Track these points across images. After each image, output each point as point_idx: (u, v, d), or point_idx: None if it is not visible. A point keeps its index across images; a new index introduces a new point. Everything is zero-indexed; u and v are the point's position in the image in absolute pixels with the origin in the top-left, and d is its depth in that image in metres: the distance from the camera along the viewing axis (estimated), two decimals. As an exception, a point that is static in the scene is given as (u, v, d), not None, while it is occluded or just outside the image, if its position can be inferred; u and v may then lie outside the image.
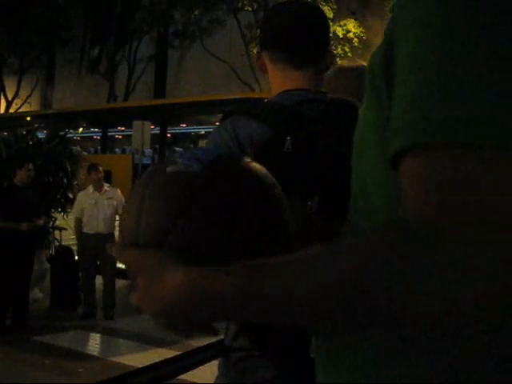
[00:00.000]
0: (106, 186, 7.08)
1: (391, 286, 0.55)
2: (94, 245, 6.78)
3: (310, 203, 1.14)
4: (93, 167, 7.01)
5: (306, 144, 1.20)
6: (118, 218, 7.11)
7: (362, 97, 1.85)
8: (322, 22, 1.38)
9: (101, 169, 7.02)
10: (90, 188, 7.02)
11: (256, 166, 0.85)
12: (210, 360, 1.85)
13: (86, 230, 6.88)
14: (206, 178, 0.77)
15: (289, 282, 0.60)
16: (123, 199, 7.04)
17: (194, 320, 0.69)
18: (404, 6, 0.65)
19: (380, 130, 0.68)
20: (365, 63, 1.94)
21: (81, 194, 7.09)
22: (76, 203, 7.07)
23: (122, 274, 7.43)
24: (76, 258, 7.40)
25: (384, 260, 0.56)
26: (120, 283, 7.26)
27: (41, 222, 6.35)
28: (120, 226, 0.85)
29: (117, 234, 7.32)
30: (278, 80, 1.36)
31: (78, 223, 6.96)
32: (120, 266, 7.47)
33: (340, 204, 1.01)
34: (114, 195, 7.05)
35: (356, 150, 0.79)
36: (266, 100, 1.38)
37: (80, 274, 7.00)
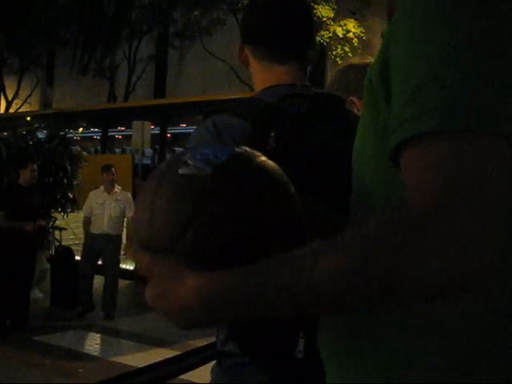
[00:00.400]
0: (117, 188, 7.11)
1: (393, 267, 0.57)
2: (99, 245, 6.79)
3: None
4: (105, 168, 7.05)
5: (290, 140, 1.17)
6: (126, 220, 7.16)
7: None
8: (306, 15, 1.33)
9: (113, 170, 7.04)
10: (102, 188, 7.06)
11: (269, 164, 0.85)
12: (209, 360, 1.85)
13: (92, 229, 6.91)
14: (216, 184, 0.77)
15: (304, 271, 0.62)
16: (132, 203, 7.07)
17: (207, 320, 0.71)
18: (400, 12, 0.67)
19: (379, 133, 0.70)
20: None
21: (92, 193, 7.13)
22: (86, 201, 7.10)
23: (123, 274, 7.44)
24: (76, 257, 7.40)
25: (384, 245, 0.58)
26: (121, 283, 7.26)
27: (43, 222, 6.37)
28: (132, 220, 0.86)
29: (124, 235, 7.32)
30: (261, 76, 1.32)
31: (87, 222, 6.99)
32: (122, 266, 7.49)
33: (329, 200, 1.01)
34: (123, 198, 7.07)
35: (356, 152, 0.82)
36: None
37: (79, 272, 7.01)
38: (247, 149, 0.86)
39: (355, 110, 1.61)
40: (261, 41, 1.30)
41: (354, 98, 1.73)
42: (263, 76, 1.31)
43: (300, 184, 1.09)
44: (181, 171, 0.79)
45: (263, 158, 0.85)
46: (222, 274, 0.68)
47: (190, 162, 0.80)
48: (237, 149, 0.85)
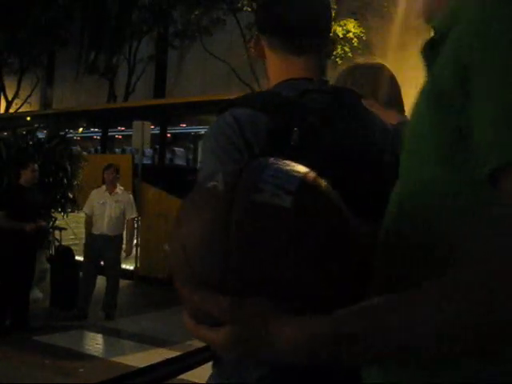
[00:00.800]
0: (119, 189, 7.10)
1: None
2: (99, 245, 6.79)
3: None
4: (107, 167, 7.04)
5: (312, 137, 1.12)
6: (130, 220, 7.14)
7: (377, 93, 1.84)
8: (325, 6, 1.29)
9: (112, 169, 7.02)
10: (103, 187, 7.04)
11: (329, 188, 0.80)
12: (210, 360, 1.84)
13: (92, 230, 6.91)
14: (298, 215, 0.71)
15: (410, 319, 0.63)
16: (133, 204, 7.07)
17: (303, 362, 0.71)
18: (483, 33, 0.69)
19: (445, 136, 0.72)
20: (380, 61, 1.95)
21: (94, 192, 7.13)
22: (88, 200, 7.09)
23: (123, 274, 7.44)
24: (76, 257, 7.40)
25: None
26: (121, 283, 7.26)
27: (44, 223, 6.37)
28: (181, 252, 0.74)
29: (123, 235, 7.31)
30: (277, 68, 1.27)
31: (88, 221, 6.98)
32: (123, 267, 7.49)
33: (352, 199, 0.97)
34: (124, 199, 7.06)
35: (408, 150, 0.81)
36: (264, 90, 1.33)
37: (81, 274, 7.01)
38: (305, 171, 0.80)
39: None
40: (278, 30, 1.24)
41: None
42: (279, 68, 1.26)
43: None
44: (256, 198, 0.72)
45: (323, 182, 0.80)
46: (317, 322, 0.68)
47: (263, 187, 0.73)
48: (296, 170, 0.79)
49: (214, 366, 1.26)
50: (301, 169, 0.80)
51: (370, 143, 1.22)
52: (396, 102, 1.89)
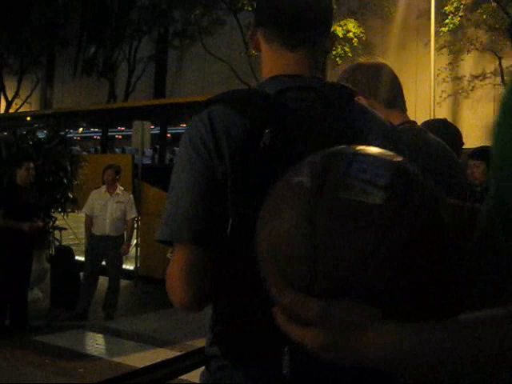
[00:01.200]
0: (119, 189, 7.09)
1: None
2: (101, 246, 6.78)
3: None
4: (107, 167, 7.03)
5: (285, 138, 1.08)
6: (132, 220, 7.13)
7: (379, 92, 1.82)
8: (323, 1, 1.25)
9: (113, 170, 7.01)
10: (104, 188, 7.03)
11: (423, 177, 0.75)
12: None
13: (93, 231, 6.90)
14: (394, 211, 0.68)
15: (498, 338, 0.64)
16: (133, 204, 7.07)
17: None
18: None
19: None
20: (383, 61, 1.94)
21: (94, 192, 7.12)
22: (87, 200, 7.08)
23: (124, 274, 7.43)
24: (76, 257, 7.40)
25: None
26: (121, 283, 7.26)
27: (41, 224, 6.35)
28: (271, 252, 0.72)
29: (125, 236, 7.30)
30: (269, 62, 1.25)
31: (88, 221, 6.97)
32: (125, 267, 7.49)
33: None
34: (125, 199, 7.05)
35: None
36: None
37: (82, 275, 7.01)
38: (397, 160, 0.75)
39: None
40: (272, 22, 1.22)
41: (361, 98, 1.73)
42: (271, 62, 1.24)
43: None
44: (342, 195, 0.69)
45: (420, 173, 0.75)
46: (411, 332, 0.67)
47: (352, 182, 0.69)
48: (388, 160, 0.75)
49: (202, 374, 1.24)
50: (392, 157, 0.75)
51: (351, 142, 1.17)
52: (398, 101, 1.89)
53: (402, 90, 1.91)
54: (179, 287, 1.11)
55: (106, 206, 6.90)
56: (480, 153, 4.39)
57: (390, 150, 1.15)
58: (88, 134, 13.94)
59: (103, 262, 6.98)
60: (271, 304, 0.74)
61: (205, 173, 1.10)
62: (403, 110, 1.90)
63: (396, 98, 1.87)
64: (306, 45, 1.22)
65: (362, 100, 1.68)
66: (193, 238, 1.09)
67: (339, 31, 19.31)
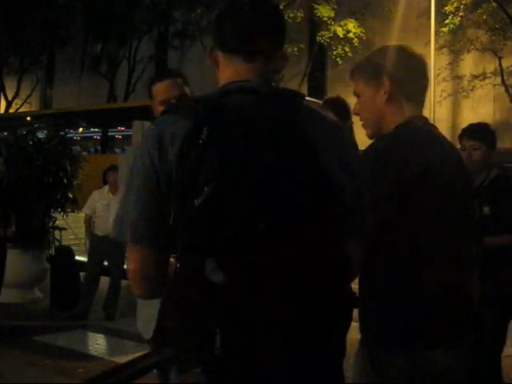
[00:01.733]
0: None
1: None
2: (104, 247, 6.77)
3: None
4: (111, 168, 7.02)
5: (222, 135, 1.15)
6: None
7: (402, 81, 1.78)
8: (272, 17, 1.36)
9: (113, 171, 7.00)
10: (106, 188, 7.03)
11: None
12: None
13: (96, 231, 6.89)
14: None
15: None
16: None
17: None
18: None
19: None
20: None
21: (95, 192, 7.11)
22: (89, 200, 7.07)
23: (124, 274, 7.42)
24: (76, 257, 7.40)
25: None
26: (122, 283, 7.25)
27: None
28: None
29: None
30: (223, 73, 1.37)
31: (88, 221, 6.97)
32: (124, 267, 7.47)
33: (260, 197, 1.08)
34: None
35: None
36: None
37: (84, 275, 7.01)
38: None
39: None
40: (226, 44, 1.34)
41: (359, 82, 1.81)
42: (227, 72, 1.35)
43: (223, 177, 1.10)
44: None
45: None
46: None
47: None
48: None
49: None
50: None
51: (288, 138, 1.21)
52: (417, 95, 1.83)
53: (426, 86, 1.87)
54: (136, 282, 1.32)
55: (109, 206, 6.89)
56: (476, 131, 3.39)
57: (333, 148, 1.26)
58: (88, 134, 13.95)
59: (105, 262, 6.97)
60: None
61: (151, 180, 1.24)
62: (419, 104, 1.83)
63: (417, 92, 1.83)
64: (259, 56, 1.33)
65: (360, 87, 1.78)
66: (138, 239, 1.28)
67: (339, 31, 19.32)
